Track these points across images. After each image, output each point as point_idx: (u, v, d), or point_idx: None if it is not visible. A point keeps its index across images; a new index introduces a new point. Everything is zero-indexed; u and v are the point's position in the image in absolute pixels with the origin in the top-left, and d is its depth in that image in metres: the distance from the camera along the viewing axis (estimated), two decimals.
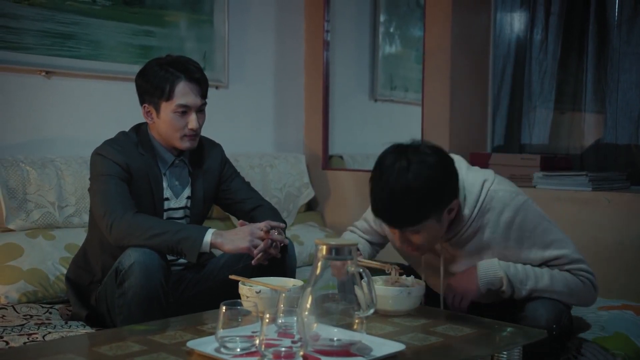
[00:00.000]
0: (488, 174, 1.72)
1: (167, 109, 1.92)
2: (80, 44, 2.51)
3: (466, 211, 1.65)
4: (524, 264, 1.69)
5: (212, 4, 2.90)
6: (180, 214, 2.03)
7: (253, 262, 1.83)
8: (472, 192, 1.66)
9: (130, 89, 2.01)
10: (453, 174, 1.62)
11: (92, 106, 2.57)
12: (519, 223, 1.66)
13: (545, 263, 1.69)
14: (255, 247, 1.81)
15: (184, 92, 1.91)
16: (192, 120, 1.92)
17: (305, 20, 3.25)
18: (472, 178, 1.68)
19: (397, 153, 1.59)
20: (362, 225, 1.94)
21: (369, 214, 1.90)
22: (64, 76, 2.49)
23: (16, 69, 2.38)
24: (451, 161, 1.64)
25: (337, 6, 3.28)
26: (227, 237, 1.81)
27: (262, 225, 1.82)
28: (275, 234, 1.83)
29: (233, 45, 2.98)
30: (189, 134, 1.94)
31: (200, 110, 1.96)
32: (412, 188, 1.53)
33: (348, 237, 1.93)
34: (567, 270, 1.68)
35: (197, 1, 2.86)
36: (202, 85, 1.95)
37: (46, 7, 2.42)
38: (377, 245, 1.93)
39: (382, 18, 3.46)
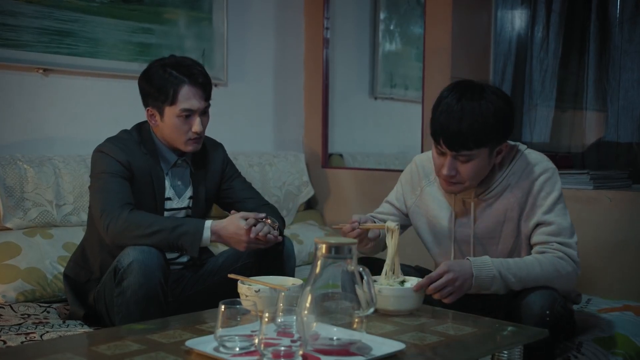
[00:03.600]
0: (522, 145, 1.84)
1: (170, 113, 1.91)
2: (78, 41, 2.50)
3: (501, 168, 1.75)
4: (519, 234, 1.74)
5: (211, 1, 2.89)
6: (182, 214, 2.02)
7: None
8: (507, 153, 1.76)
9: (129, 86, 2.00)
10: (513, 115, 1.73)
11: (90, 104, 2.56)
12: (542, 181, 1.74)
13: (537, 225, 1.73)
14: (252, 243, 1.82)
15: (187, 97, 1.90)
16: (197, 123, 1.92)
17: (305, 17, 3.24)
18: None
19: (467, 84, 1.70)
20: (384, 208, 1.96)
21: (390, 196, 1.96)
22: (62, 74, 2.48)
23: (13, 67, 2.36)
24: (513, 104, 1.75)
25: (337, 4, 3.27)
26: (224, 239, 1.83)
27: (257, 234, 1.82)
28: (265, 227, 1.83)
29: (232, 43, 2.96)
30: (193, 137, 1.94)
31: (205, 112, 1.95)
32: (483, 110, 1.64)
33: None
34: (553, 242, 1.70)
35: None
36: (206, 89, 1.94)
37: (44, 4, 2.41)
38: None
39: (382, 16, 3.45)
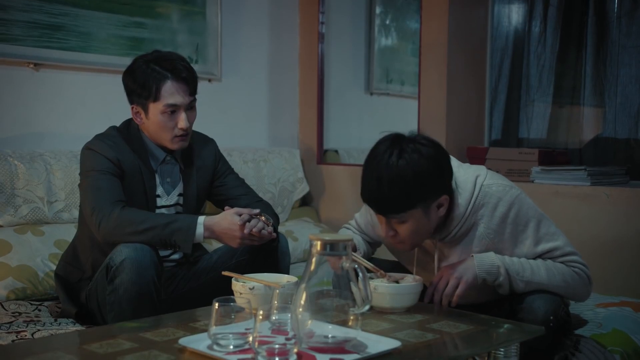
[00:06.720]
0: (480, 169, 1.72)
1: (155, 109, 1.88)
2: (69, 35, 2.47)
3: (460, 209, 1.65)
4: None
5: None
6: (172, 211, 2.00)
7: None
8: (465, 189, 1.66)
9: (121, 82, 1.97)
10: (445, 169, 1.62)
11: (81, 99, 2.54)
12: (513, 217, 1.66)
13: (538, 257, 1.68)
14: (246, 240, 1.80)
15: (171, 92, 1.87)
16: (182, 119, 1.89)
17: (300, 12, 3.22)
18: (464, 175, 1.68)
19: (392, 141, 1.60)
20: (354, 224, 1.93)
21: (359, 216, 1.91)
22: (53, 68, 2.45)
23: (3, 61, 2.34)
24: (447, 156, 1.63)
25: None
26: (217, 235, 1.81)
27: (251, 230, 1.80)
28: (259, 223, 1.81)
29: (226, 38, 2.94)
30: (179, 134, 1.91)
31: (191, 107, 1.92)
32: (401, 174, 1.54)
33: (344, 234, 1.91)
34: (562, 263, 1.68)
35: None
36: (189, 84, 1.91)
37: None
38: (372, 244, 1.92)
39: (378, 10, 3.44)
